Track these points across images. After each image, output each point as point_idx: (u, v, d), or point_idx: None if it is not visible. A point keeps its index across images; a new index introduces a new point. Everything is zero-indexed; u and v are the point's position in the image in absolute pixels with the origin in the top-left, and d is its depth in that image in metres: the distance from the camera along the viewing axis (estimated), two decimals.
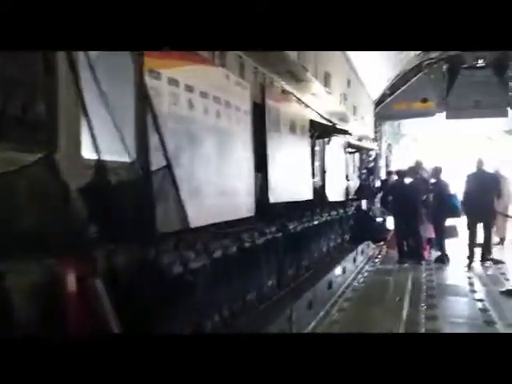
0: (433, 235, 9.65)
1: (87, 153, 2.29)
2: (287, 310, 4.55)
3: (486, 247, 9.10)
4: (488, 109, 11.33)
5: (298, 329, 4.69)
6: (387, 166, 14.14)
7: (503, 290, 6.86)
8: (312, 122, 6.45)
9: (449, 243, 9.65)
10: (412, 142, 17.06)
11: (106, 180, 2.32)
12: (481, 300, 6.38)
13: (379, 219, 10.97)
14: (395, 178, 10.06)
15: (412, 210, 9.05)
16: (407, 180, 9.50)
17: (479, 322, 5.42)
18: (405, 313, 5.78)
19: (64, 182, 2.08)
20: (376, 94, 11.71)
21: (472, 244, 9.20)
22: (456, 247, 10.06)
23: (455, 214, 9.38)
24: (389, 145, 15.00)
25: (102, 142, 2.36)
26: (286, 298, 4.90)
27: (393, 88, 12.10)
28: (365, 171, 11.25)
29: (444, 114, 12.03)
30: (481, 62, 11.38)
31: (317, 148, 6.94)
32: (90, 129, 2.28)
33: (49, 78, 2.20)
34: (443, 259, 9.25)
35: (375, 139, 12.65)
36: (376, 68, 9.42)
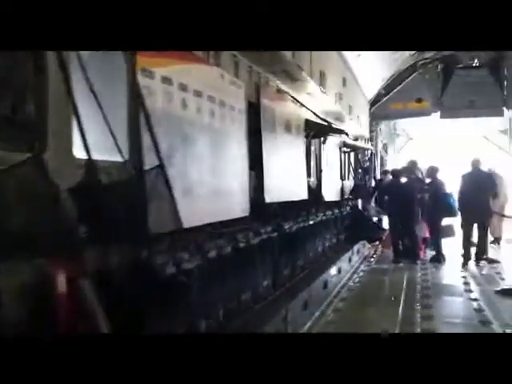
0: (428, 235, 9.66)
1: (79, 152, 2.26)
2: (282, 311, 4.53)
3: (482, 247, 9.11)
4: (483, 108, 11.36)
5: (293, 329, 4.67)
6: (382, 165, 14.15)
7: (498, 289, 6.87)
8: (307, 121, 6.43)
9: (445, 242, 9.66)
10: (407, 141, 17.07)
11: (98, 180, 2.29)
12: (476, 300, 6.38)
13: (375, 219, 10.98)
14: (390, 177, 10.07)
15: (407, 209, 9.05)
16: (402, 180, 9.51)
17: (474, 322, 5.42)
18: (400, 312, 5.77)
19: (54, 182, 2.05)
20: (371, 94, 11.72)
21: (467, 243, 9.21)
22: (452, 246, 10.08)
23: (451, 214, 9.39)
24: (384, 144, 15.01)
25: (93, 141, 2.33)
26: (281, 299, 4.88)
27: (388, 88, 12.11)
28: (360, 171, 11.25)
29: (439, 113, 12.06)
30: (476, 62, 11.40)
31: (312, 148, 6.93)
32: (82, 128, 2.25)
33: (39, 77, 2.17)
34: (439, 259, 9.26)
35: (371, 139, 12.66)
36: (371, 68, 9.42)
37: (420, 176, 10.06)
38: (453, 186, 9.66)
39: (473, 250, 9.21)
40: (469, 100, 11.38)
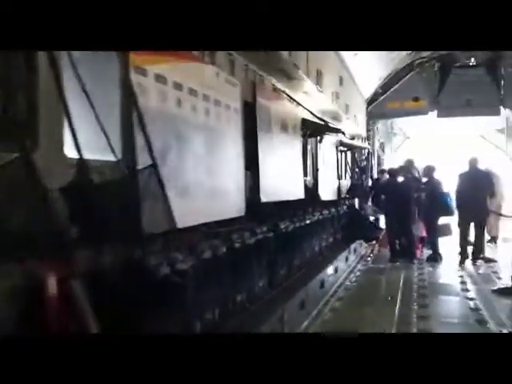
0: (425, 234, 9.66)
1: (70, 151, 2.23)
2: (279, 310, 4.51)
3: (478, 246, 9.12)
4: (480, 107, 11.37)
5: (289, 328, 4.65)
6: (380, 164, 14.14)
7: (495, 288, 6.87)
8: (304, 120, 6.41)
9: (441, 242, 9.66)
10: (404, 140, 17.07)
11: (90, 179, 2.26)
12: (472, 299, 6.38)
13: (371, 218, 10.97)
14: (387, 176, 10.06)
15: (404, 208, 9.05)
16: (399, 179, 9.51)
17: (471, 322, 5.42)
18: (396, 312, 5.77)
19: (45, 181, 2.02)
20: (368, 93, 11.70)
21: (464, 242, 9.23)
22: (448, 246, 10.09)
23: (448, 213, 9.39)
24: (381, 143, 15.01)
25: (85, 140, 2.30)
26: (278, 298, 4.86)
27: (385, 87, 12.10)
28: (357, 170, 11.24)
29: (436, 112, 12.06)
30: (473, 61, 11.40)
31: (309, 147, 6.90)
32: (74, 127, 2.22)
33: (30, 76, 2.14)
34: (435, 258, 9.27)
35: (368, 138, 12.65)
36: (368, 67, 9.41)
37: (417, 175, 10.06)
38: (449, 185, 9.67)
39: (469, 249, 9.23)
40: (466, 99, 11.39)
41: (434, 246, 9.41)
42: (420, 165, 10.46)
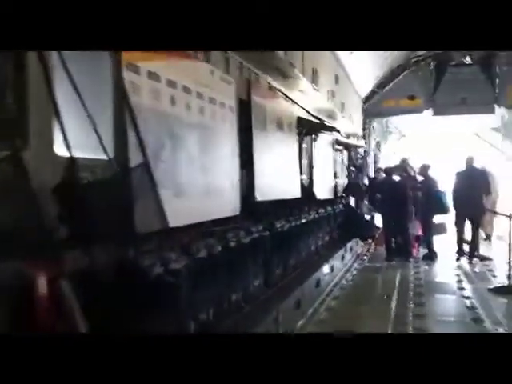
0: (421, 232, 9.67)
1: (61, 150, 2.18)
2: (274, 310, 4.48)
3: (474, 244, 9.14)
4: (475, 105, 11.39)
5: (285, 328, 4.63)
6: (376, 163, 14.14)
7: (491, 287, 6.88)
8: (299, 118, 6.38)
9: (437, 240, 9.68)
10: (400, 139, 17.07)
11: (81, 178, 2.22)
12: (468, 297, 6.38)
13: (367, 217, 10.97)
14: (383, 175, 10.06)
15: (400, 207, 9.05)
16: (395, 177, 9.51)
17: (467, 320, 5.41)
18: (393, 311, 5.76)
19: (35, 180, 1.98)
20: (364, 91, 11.69)
21: (460, 240, 9.25)
22: (444, 244, 10.10)
23: (443, 211, 9.41)
24: (377, 142, 15.00)
25: (77, 139, 2.26)
26: (274, 298, 4.83)
27: (381, 85, 12.09)
28: (353, 169, 11.23)
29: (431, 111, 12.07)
30: (468, 60, 11.42)
31: (304, 145, 6.87)
32: (65, 126, 2.18)
33: (20, 74, 2.09)
34: (431, 256, 9.28)
35: (364, 136, 12.64)
36: (364, 65, 9.39)
37: (412, 174, 10.07)
38: (445, 184, 9.68)
39: (465, 247, 9.25)
40: (461, 97, 11.41)
41: (429, 245, 9.41)
42: (415, 163, 10.47)
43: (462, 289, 6.91)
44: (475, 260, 9.01)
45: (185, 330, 3.01)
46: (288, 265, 5.85)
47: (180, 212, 3.00)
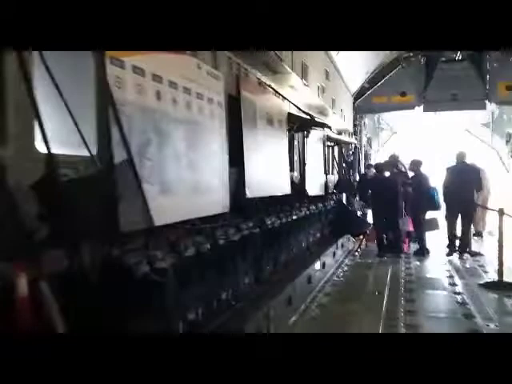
0: (412, 228, 9.68)
1: (43, 147, 2.12)
2: (265, 307, 4.45)
3: (465, 240, 9.17)
4: (466, 102, 11.42)
5: (276, 325, 4.61)
6: (367, 159, 14.15)
7: (482, 282, 6.90)
8: (290, 114, 6.33)
9: (428, 236, 9.70)
10: (392, 135, 17.11)
11: (64, 175, 2.17)
12: (459, 293, 6.39)
13: (359, 213, 10.97)
14: (374, 171, 10.06)
15: (391, 203, 9.06)
16: (385, 174, 9.51)
17: (458, 316, 5.42)
18: (384, 307, 5.75)
19: (14, 177, 1.92)
20: (355, 88, 11.67)
21: (451, 236, 9.27)
22: (435, 240, 10.13)
23: (434, 207, 9.42)
24: (368, 138, 15.01)
25: (59, 135, 2.20)
26: (264, 295, 4.80)
27: (372, 81, 12.08)
28: (344, 165, 11.22)
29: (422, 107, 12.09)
30: (458, 55, 11.44)
31: (295, 142, 6.83)
32: (47, 122, 2.12)
33: None
34: (422, 252, 9.30)
35: (355, 133, 12.63)
36: (354, 61, 9.36)
37: (403, 170, 10.08)
38: (436, 180, 9.70)
39: (456, 243, 9.28)
40: (452, 93, 11.43)
41: (420, 241, 9.44)
42: (406, 159, 10.48)
43: (453, 284, 6.92)
44: (466, 256, 9.04)
45: (172, 330, 2.96)
46: (279, 262, 5.82)
47: (167, 210, 2.95)
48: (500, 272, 6.73)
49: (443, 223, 9.60)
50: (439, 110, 12.27)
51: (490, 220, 10.96)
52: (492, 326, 5.02)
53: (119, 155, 2.46)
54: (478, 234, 11.24)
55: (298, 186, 6.81)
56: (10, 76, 2.03)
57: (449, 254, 9.15)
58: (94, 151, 2.37)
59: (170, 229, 3.04)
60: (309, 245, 7.43)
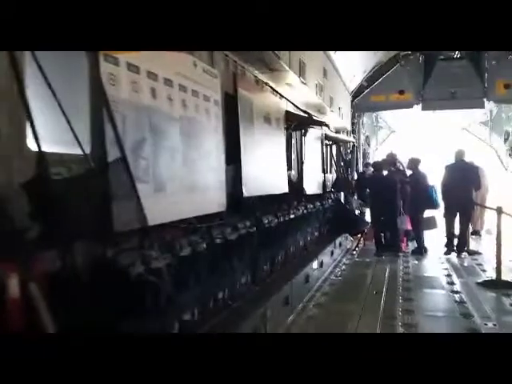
0: (410, 227, 9.66)
1: (35, 145, 2.08)
2: (263, 307, 4.43)
3: (463, 238, 9.15)
4: (464, 100, 11.39)
5: (274, 324, 4.59)
6: (365, 158, 14.13)
7: (480, 281, 6.88)
8: (287, 113, 6.31)
9: (427, 234, 9.68)
10: (390, 134, 17.08)
11: (55, 173, 2.13)
12: (457, 292, 6.37)
13: (357, 212, 10.95)
14: (372, 170, 10.04)
15: (389, 202, 9.03)
16: (384, 172, 9.49)
17: (456, 315, 5.40)
18: (382, 306, 5.73)
19: (5, 176, 1.89)
20: (353, 86, 11.64)
21: (450, 234, 9.26)
22: (433, 238, 10.12)
23: (432, 206, 9.40)
24: (366, 137, 14.98)
25: (52, 133, 2.17)
26: (261, 295, 4.77)
27: (370, 80, 12.05)
28: (342, 164, 11.19)
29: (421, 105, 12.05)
30: (457, 53, 11.41)
31: (293, 140, 6.80)
32: (40, 119, 2.09)
33: None
34: (420, 251, 9.28)
35: (353, 131, 12.60)
36: (352, 59, 9.33)
37: (401, 168, 10.06)
38: (434, 178, 9.68)
39: (454, 242, 9.26)
40: (450, 92, 11.40)
41: (418, 239, 9.42)
42: (404, 157, 10.46)
43: (451, 283, 6.90)
44: (464, 254, 9.03)
45: (167, 330, 2.93)
46: (276, 261, 5.79)
47: (162, 209, 2.92)
48: (498, 270, 6.72)
49: (441, 222, 9.58)
50: (437, 108, 12.24)
51: (488, 218, 10.95)
52: (490, 324, 5.00)
53: (113, 153, 2.42)
54: (476, 232, 11.23)
55: (296, 184, 6.78)
56: (1, 74, 2.00)
57: (447, 253, 9.15)
58: (88, 150, 2.34)
59: (166, 228, 3.00)
60: (306, 244, 7.40)
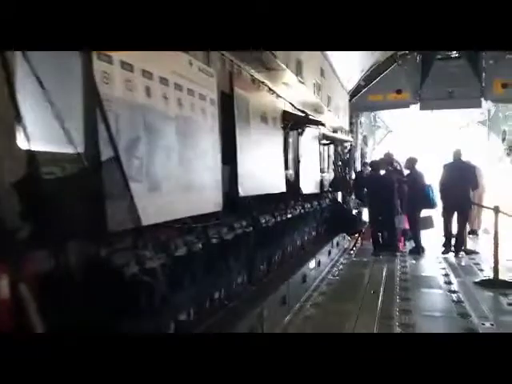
0: (407, 226, 9.66)
1: (26, 144, 2.06)
2: (259, 306, 4.41)
3: (460, 238, 9.15)
4: (462, 99, 11.38)
5: (271, 324, 4.57)
6: (362, 157, 14.11)
7: (477, 280, 6.88)
8: (284, 112, 6.28)
9: (424, 234, 9.68)
10: (387, 133, 17.07)
11: (48, 173, 2.10)
12: (455, 291, 6.36)
13: (354, 211, 10.94)
14: (369, 169, 10.03)
15: (386, 201, 9.02)
16: (381, 172, 9.48)
17: (454, 315, 5.38)
18: (379, 306, 5.72)
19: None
20: (350, 85, 11.62)
21: (448, 234, 9.26)
22: (431, 238, 10.11)
23: (430, 205, 9.40)
24: (364, 137, 14.96)
25: (44, 132, 2.14)
26: (258, 294, 4.75)
27: (367, 79, 12.03)
28: (340, 163, 11.17)
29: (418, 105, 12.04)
30: (454, 53, 11.40)
31: (290, 140, 6.78)
32: (32, 118, 2.06)
33: None
34: (418, 250, 9.28)
35: (351, 131, 12.57)
36: (350, 59, 9.31)
37: (398, 168, 10.05)
38: (431, 177, 9.68)
39: (452, 241, 9.26)
40: (448, 91, 11.39)
41: (416, 239, 9.41)
42: (401, 157, 10.45)
43: (448, 283, 6.89)
44: (462, 254, 9.02)
45: (163, 331, 2.91)
46: (273, 260, 5.77)
47: (157, 208, 2.89)
48: (495, 270, 6.71)
49: (438, 221, 9.58)
50: (435, 108, 12.22)
51: (485, 218, 10.95)
52: (487, 324, 4.99)
53: (107, 153, 2.40)
54: (473, 232, 11.23)
55: (293, 183, 6.76)
56: None
57: (444, 252, 9.15)
58: (81, 149, 2.31)
59: (160, 228, 2.98)
60: (304, 243, 7.38)
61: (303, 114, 7.03)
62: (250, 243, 4.71)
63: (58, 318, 1.87)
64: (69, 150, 2.22)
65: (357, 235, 10.13)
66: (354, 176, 11.69)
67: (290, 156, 6.78)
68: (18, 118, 2.00)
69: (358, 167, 12.69)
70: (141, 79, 2.84)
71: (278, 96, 6.19)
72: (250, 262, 4.89)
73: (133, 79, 2.74)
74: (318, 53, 7.24)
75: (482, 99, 11.39)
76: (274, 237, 5.63)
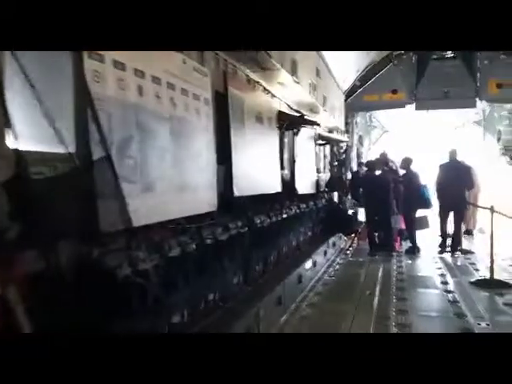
0: (403, 226, 9.66)
1: (15, 143, 2.03)
2: (255, 307, 4.39)
3: (456, 238, 9.16)
4: (457, 99, 11.40)
5: (267, 324, 4.55)
6: (358, 157, 14.12)
7: (473, 280, 6.88)
8: (280, 112, 6.27)
9: (420, 234, 9.68)
10: (382, 133, 17.09)
11: (38, 173, 2.08)
12: (451, 291, 6.36)
13: (350, 211, 10.93)
14: (365, 169, 10.03)
15: (382, 201, 9.02)
16: (377, 172, 9.48)
17: (450, 315, 5.38)
18: (375, 306, 5.70)
19: None
20: (346, 85, 11.61)
21: (443, 234, 9.27)
22: (426, 238, 10.12)
23: (425, 205, 9.41)
24: (360, 137, 14.97)
25: (34, 132, 2.11)
26: (254, 295, 4.74)
27: (363, 79, 12.03)
28: (336, 163, 11.17)
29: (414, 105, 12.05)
30: (450, 53, 11.42)
31: (286, 140, 6.76)
32: (21, 117, 2.03)
33: None
34: (413, 250, 9.28)
35: (346, 131, 12.57)
36: (345, 59, 9.30)
37: (394, 167, 10.05)
38: (427, 177, 9.69)
39: (448, 241, 9.27)
40: (443, 91, 11.41)
41: (412, 239, 9.41)
42: (397, 157, 10.46)
43: (444, 283, 6.89)
44: (458, 253, 9.03)
45: (156, 332, 2.88)
46: (269, 261, 5.75)
47: (150, 209, 2.87)
48: (491, 270, 6.71)
49: (434, 221, 9.59)
50: (430, 108, 12.24)
51: (481, 218, 10.97)
52: (483, 324, 4.98)
53: (99, 152, 2.37)
54: (469, 232, 11.24)
55: (289, 184, 6.74)
56: None
57: (440, 252, 9.16)
58: (72, 148, 2.28)
59: (154, 228, 2.95)
60: (299, 243, 7.36)
61: (299, 114, 7.01)
62: (245, 243, 4.69)
63: (48, 318, 1.84)
64: (60, 149, 2.19)
65: (353, 235, 10.12)
66: (349, 176, 11.69)
67: (286, 156, 6.76)
68: (7, 117, 1.97)
69: (354, 167, 12.70)
70: (133, 78, 2.81)
71: (273, 96, 6.17)
72: (246, 263, 4.87)
73: (125, 78, 2.71)
74: (314, 53, 7.22)
75: (477, 99, 11.41)
76: (270, 237, 5.61)
